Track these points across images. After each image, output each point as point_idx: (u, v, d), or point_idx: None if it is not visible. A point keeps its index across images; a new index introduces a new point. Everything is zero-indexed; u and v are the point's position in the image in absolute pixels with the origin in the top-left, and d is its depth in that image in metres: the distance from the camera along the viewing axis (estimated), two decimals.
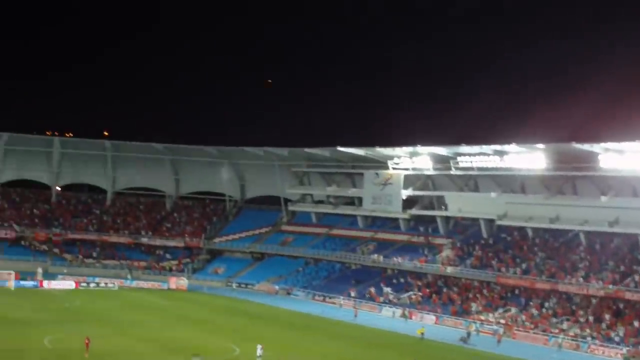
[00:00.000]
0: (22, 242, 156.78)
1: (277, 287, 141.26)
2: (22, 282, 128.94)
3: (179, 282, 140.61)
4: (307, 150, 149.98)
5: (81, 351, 74.12)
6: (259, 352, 74.11)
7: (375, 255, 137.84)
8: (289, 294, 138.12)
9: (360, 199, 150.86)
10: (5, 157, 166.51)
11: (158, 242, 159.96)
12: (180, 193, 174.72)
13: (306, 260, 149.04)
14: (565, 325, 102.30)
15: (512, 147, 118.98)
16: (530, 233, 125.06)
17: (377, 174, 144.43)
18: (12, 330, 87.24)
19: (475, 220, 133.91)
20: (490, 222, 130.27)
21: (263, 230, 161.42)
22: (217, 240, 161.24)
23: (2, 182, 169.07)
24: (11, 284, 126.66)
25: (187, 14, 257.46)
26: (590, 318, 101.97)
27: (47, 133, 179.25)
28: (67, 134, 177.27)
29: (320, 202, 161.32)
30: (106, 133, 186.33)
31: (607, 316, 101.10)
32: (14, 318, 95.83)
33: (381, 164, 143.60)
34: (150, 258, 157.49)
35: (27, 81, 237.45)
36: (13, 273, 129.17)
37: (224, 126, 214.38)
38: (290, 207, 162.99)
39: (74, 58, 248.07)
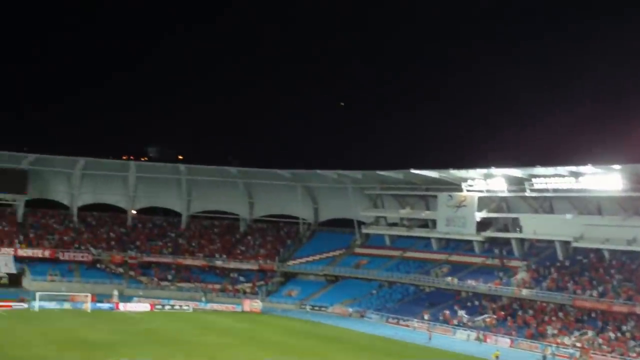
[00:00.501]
0: (99, 265, 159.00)
1: (350, 310, 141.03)
2: (98, 305, 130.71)
3: (252, 304, 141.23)
4: (380, 172, 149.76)
5: None
6: None
7: (450, 278, 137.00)
8: (362, 316, 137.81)
9: (434, 222, 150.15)
10: (82, 181, 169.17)
11: (232, 265, 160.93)
12: (254, 216, 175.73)
13: (380, 282, 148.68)
14: None
15: (587, 168, 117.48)
16: (607, 255, 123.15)
17: (450, 196, 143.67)
18: (89, 351, 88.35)
19: (550, 242, 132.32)
20: (565, 244, 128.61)
21: (337, 252, 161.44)
22: (290, 262, 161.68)
23: (79, 206, 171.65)
24: (88, 306, 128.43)
25: (254, 41, 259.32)
26: None
27: (123, 158, 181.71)
28: (142, 159, 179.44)
29: (394, 224, 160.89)
30: (181, 157, 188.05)
31: None
32: (90, 340, 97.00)
33: (455, 186, 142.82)
34: (224, 281, 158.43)
35: (103, 108, 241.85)
36: (90, 295, 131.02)
37: (297, 149, 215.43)
38: (364, 230, 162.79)
39: (151, 88, 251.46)
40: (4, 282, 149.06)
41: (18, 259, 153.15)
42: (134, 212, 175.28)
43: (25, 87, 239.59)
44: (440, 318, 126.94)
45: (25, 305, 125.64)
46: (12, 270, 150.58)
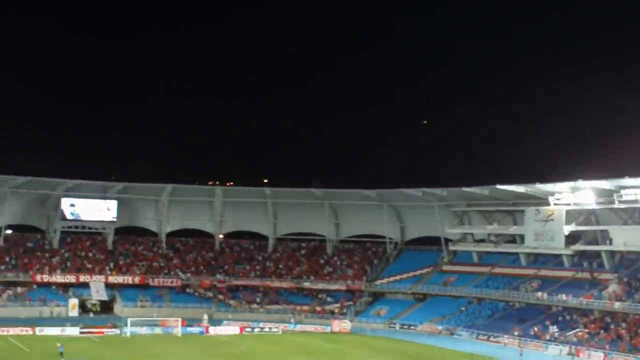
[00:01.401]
0: (188, 290, 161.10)
1: (440, 327, 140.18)
2: (188, 329, 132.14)
3: (341, 324, 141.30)
4: (465, 189, 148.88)
5: None
6: None
7: (539, 293, 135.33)
8: (452, 333, 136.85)
9: (521, 237, 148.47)
10: (169, 207, 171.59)
11: (320, 285, 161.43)
12: (340, 236, 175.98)
13: (469, 299, 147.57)
14: None
15: None
16: None
17: (538, 210, 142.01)
18: None
19: None
20: None
21: (424, 270, 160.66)
22: (378, 282, 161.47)
23: (168, 232, 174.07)
24: (178, 330, 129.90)
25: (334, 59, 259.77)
26: None
27: (209, 183, 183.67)
28: (228, 183, 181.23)
29: (481, 240, 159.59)
30: (266, 181, 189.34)
31: None
32: None
33: (542, 200, 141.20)
34: (312, 302, 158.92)
35: (187, 134, 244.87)
36: (180, 320, 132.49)
37: (381, 168, 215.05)
38: (451, 247, 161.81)
39: (233, 113, 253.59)
40: (96, 308, 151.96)
41: (109, 286, 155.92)
42: (221, 236, 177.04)
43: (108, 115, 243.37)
44: (531, 333, 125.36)
45: (117, 331, 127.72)
46: (104, 297, 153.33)
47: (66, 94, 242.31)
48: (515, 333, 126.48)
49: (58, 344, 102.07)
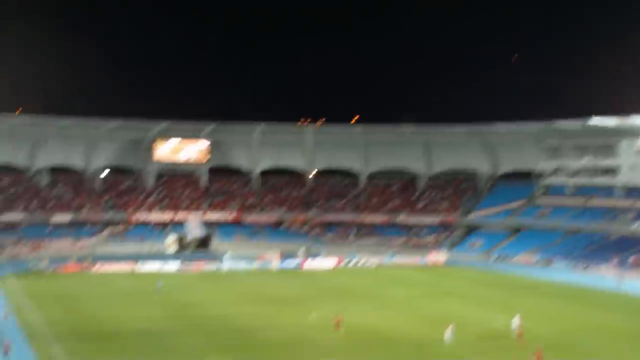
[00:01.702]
0: (283, 226, 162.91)
1: (535, 258, 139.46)
2: (285, 263, 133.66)
3: (436, 257, 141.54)
4: (559, 122, 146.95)
5: (344, 326, 76.30)
6: (515, 323, 73.30)
7: (636, 224, 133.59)
8: (548, 264, 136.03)
9: (616, 169, 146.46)
10: (261, 146, 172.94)
11: (413, 219, 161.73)
12: (432, 172, 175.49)
13: (564, 231, 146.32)
14: None
15: None
16: None
17: (633, 142, 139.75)
18: (279, 308, 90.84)
19: None
20: None
21: (518, 204, 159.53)
22: (472, 215, 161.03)
23: (260, 170, 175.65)
24: (275, 265, 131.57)
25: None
26: None
27: (301, 121, 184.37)
28: (319, 121, 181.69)
29: (575, 173, 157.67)
30: (356, 117, 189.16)
31: None
32: (280, 296, 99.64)
33: (637, 131, 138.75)
34: (406, 235, 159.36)
35: (278, 74, 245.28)
36: (276, 255, 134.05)
37: (473, 101, 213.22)
38: (544, 181, 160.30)
39: (323, 49, 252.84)
40: (193, 245, 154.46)
41: (206, 223, 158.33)
42: (313, 174, 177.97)
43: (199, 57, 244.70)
44: (629, 264, 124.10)
45: (214, 267, 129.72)
46: (201, 234, 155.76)
47: (159, 36, 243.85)
48: (613, 264, 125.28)
49: (158, 281, 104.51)
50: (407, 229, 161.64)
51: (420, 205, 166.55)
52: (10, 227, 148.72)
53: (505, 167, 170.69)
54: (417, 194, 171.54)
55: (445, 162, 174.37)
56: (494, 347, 69.60)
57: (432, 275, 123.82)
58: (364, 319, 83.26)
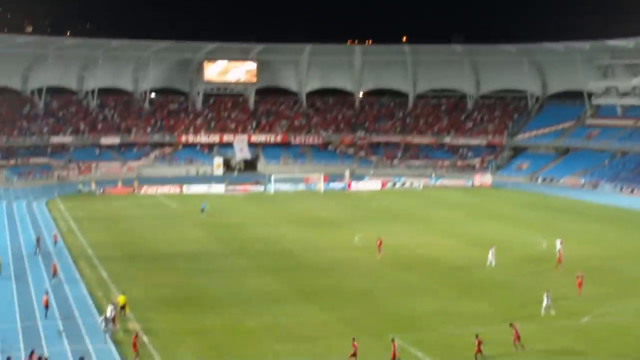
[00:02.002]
0: (329, 147, 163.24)
1: (582, 181, 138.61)
2: (331, 185, 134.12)
3: (482, 179, 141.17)
4: (610, 41, 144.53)
5: (388, 248, 76.81)
6: (557, 246, 73.17)
7: None
8: (595, 187, 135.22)
9: None
10: (309, 67, 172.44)
11: (461, 141, 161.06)
12: (480, 92, 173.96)
13: (612, 153, 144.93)
14: None
15: None
16: None
17: None
18: (325, 229, 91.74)
19: None
20: None
21: (566, 125, 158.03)
22: (519, 136, 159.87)
23: (308, 91, 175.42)
24: (321, 187, 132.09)
25: None
26: None
27: (349, 42, 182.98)
28: (367, 42, 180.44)
29: (626, 94, 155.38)
30: (405, 37, 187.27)
31: None
32: (326, 218, 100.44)
33: None
34: (453, 157, 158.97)
35: None
36: (322, 176, 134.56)
37: (522, 21, 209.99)
38: (594, 101, 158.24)
39: None
40: (240, 167, 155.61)
41: (252, 145, 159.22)
42: (361, 94, 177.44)
43: None
44: None
45: (261, 188, 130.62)
46: (247, 155, 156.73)
47: None
48: None
49: (203, 202, 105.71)
50: (454, 150, 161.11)
51: (467, 126, 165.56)
52: (60, 149, 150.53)
53: (555, 87, 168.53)
54: (464, 115, 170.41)
55: (493, 82, 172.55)
56: (536, 270, 69.77)
57: (478, 198, 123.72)
58: (408, 241, 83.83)
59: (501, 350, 46.99)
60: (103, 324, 48.90)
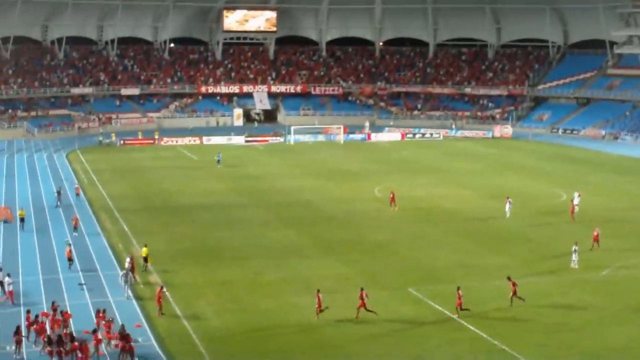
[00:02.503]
0: (349, 98, 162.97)
1: (603, 132, 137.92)
2: (350, 136, 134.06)
3: (503, 130, 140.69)
4: None
5: (407, 200, 77.04)
6: (576, 199, 72.96)
7: None
8: (616, 138, 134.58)
9: None
10: (329, 16, 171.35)
11: (481, 91, 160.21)
12: (501, 41, 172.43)
13: (634, 103, 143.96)
14: None
15: None
16: None
17: None
18: (345, 181, 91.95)
19: None
20: None
21: (588, 75, 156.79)
22: (540, 87, 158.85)
23: (328, 40, 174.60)
24: (340, 138, 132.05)
25: None
26: None
27: None
28: None
29: None
30: None
31: None
32: (345, 170, 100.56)
33: None
34: (473, 107, 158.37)
35: None
36: (342, 127, 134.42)
37: None
38: (616, 50, 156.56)
39: None
40: (260, 118, 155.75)
41: (272, 95, 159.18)
42: (381, 43, 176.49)
43: None
44: None
45: (281, 139, 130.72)
46: (267, 106, 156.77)
47: None
48: None
49: (218, 154, 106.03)
50: (474, 100, 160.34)
51: (488, 76, 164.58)
52: (80, 100, 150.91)
53: (576, 36, 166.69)
54: (485, 64, 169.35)
55: (515, 31, 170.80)
56: (554, 222, 69.77)
57: (498, 149, 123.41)
58: (427, 193, 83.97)
59: (515, 303, 47.19)
60: (123, 278, 49.23)
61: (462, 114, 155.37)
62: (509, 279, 47.91)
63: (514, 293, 47.15)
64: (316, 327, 44.11)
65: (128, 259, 52.59)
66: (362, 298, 45.35)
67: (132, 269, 51.09)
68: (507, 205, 71.47)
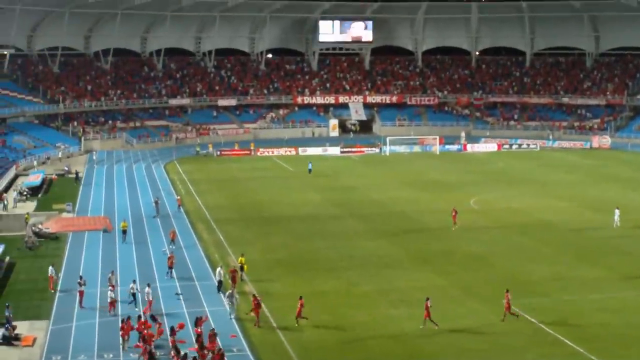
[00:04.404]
0: (445, 108, 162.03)
1: None
2: (446, 147, 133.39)
3: (601, 140, 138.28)
4: None
5: (504, 211, 76.33)
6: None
7: None
8: None
9: None
10: (425, 26, 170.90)
11: (579, 101, 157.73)
12: (600, 50, 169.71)
13: None
14: None
15: None
16: None
17: None
18: (440, 192, 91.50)
19: None
20: None
21: None
22: None
23: (424, 50, 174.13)
24: (436, 148, 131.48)
25: None
26: None
27: None
28: None
29: None
30: None
31: None
32: (441, 181, 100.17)
33: None
34: (571, 117, 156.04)
35: None
36: (438, 138, 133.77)
37: None
38: None
39: None
40: (356, 128, 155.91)
41: (367, 106, 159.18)
42: (477, 53, 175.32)
43: None
44: None
45: (376, 150, 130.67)
46: (363, 116, 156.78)
47: None
48: None
49: (309, 163, 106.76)
50: (572, 110, 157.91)
51: (586, 85, 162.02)
52: (178, 111, 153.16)
53: None
54: (583, 74, 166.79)
55: (614, 39, 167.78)
56: None
57: (596, 160, 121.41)
58: (524, 204, 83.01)
59: (613, 317, 46.32)
60: (228, 300, 48.50)
61: (560, 124, 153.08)
62: (507, 291, 46.83)
63: (508, 308, 46.20)
64: (410, 339, 43.97)
65: (220, 270, 53.13)
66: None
67: (233, 280, 51.49)
68: (616, 215, 70.42)
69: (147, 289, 48.76)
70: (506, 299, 46.01)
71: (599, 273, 56.52)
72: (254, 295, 47.94)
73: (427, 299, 45.63)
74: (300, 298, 46.38)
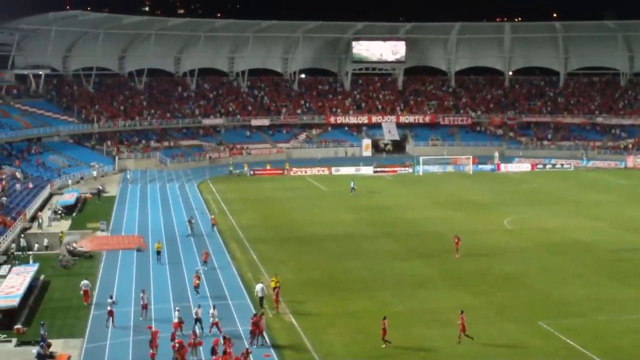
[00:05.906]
0: (478, 128, 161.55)
1: None
2: (480, 166, 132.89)
3: (636, 160, 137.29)
4: None
5: (537, 231, 75.91)
6: None
7: None
8: None
9: None
10: (458, 46, 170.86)
11: (613, 120, 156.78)
12: (635, 69, 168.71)
13: None
14: None
15: None
16: None
17: None
18: (474, 212, 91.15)
19: None
20: None
21: None
22: None
23: (457, 70, 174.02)
24: (469, 168, 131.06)
25: None
26: None
27: (498, 19, 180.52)
28: (516, 19, 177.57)
29: None
30: (555, 14, 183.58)
31: None
32: (474, 201, 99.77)
33: None
34: (605, 137, 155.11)
35: None
36: (471, 158, 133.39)
37: None
38: None
39: None
40: (389, 148, 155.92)
41: (400, 126, 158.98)
42: (510, 73, 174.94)
43: None
44: None
45: (409, 170, 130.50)
46: (396, 136, 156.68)
47: None
48: None
49: (351, 182, 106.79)
50: (606, 130, 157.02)
51: (621, 105, 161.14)
52: (211, 131, 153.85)
53: None
54: (617, 93, 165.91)
55: None
56: None
57: (631, 180, 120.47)
58: (558, 225, 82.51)
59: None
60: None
61: (594, 144, 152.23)
62: (462, 312, 46.55)
63: (463, 329, 45.80)
64: (444, 358, 43.80)
65: (262, 285, 53.45)
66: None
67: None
68: None
69: (211, 310, 48.73)
70: (461, 320, 45.80)
71: (634, 293, 56.08)
72: (254, 315, 48.17)
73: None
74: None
